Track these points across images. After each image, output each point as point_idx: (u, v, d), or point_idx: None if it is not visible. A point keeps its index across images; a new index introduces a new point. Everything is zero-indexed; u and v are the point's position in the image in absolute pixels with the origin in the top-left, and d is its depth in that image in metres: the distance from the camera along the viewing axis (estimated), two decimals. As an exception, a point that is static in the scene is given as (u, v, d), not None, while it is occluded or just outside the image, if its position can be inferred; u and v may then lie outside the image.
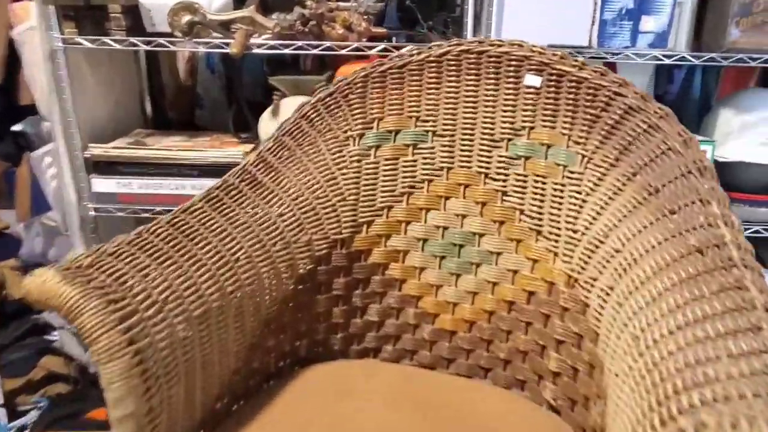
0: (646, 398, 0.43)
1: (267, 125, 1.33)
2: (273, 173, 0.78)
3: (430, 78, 0.80)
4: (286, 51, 1.26)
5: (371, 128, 0.82)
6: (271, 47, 1.26)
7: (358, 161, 0.81)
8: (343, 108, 0.82)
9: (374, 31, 1.27)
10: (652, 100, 0.69)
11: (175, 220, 0.67)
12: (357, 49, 1.25)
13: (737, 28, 1.24)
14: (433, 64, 0.79)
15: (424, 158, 0.81)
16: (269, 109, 1.34)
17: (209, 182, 1.49)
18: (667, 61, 1.24)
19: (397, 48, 1.25)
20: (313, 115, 0.81)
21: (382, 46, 1.24)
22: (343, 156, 0.81)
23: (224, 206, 0.72)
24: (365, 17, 1.28)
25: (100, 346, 0.52)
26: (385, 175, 0.81)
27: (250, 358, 0.73)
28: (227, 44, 1.24)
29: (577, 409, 0.71)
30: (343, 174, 0.81)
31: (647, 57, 1.24)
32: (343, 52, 1.25)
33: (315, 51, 1.26)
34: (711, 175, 0.64)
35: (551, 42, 1.25)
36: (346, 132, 0.82)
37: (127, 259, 0.60)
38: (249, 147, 1.37)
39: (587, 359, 0.67)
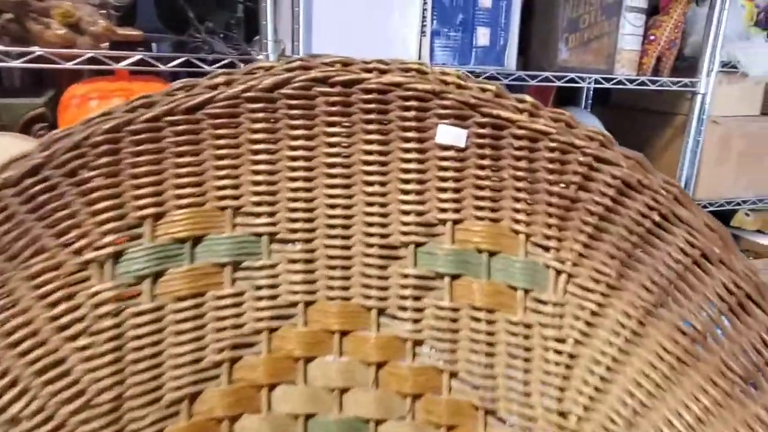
0: None
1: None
2: None
3: (255, 131, 0.39)
4: (-39, 62, 0.71)
5: (139, 237, 0.37)
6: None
7: (116, 314, 0.36)
8: (70, 199, 0.36)
9: (121, 33, 0.78)
10: (652, 169, 0.39)
11: None
12: (94, 60, 0.76)
13: (566, 46, 1.05)
14: (259, 105, 0.38)
15: (258, 288, 0.39)
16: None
17: None
18: (504, 81, 1.00)
19: (164, 60, 0.78)
20: (-8, 221, 0.34)
21: (136, 56, 0.77)
22: (76, 306, 0.35)
23: None
24: (104, 12, 0.79)
25: None
26: (179, 334, 0.38)
27: None
28: None
29: None
30: (81, 350, 0.35)
31: (484, 76, 0.98)
32: (68, 65, 0.74)
33: (15, 63, 0.72)
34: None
35: (373, 56, 0.91)
36: (80, 252, 0.36)
37: None
38: None
39: None
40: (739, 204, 1.28)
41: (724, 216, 1.40)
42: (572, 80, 1.04)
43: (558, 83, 1.04)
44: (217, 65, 0.80)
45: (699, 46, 1.16)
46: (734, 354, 0.34)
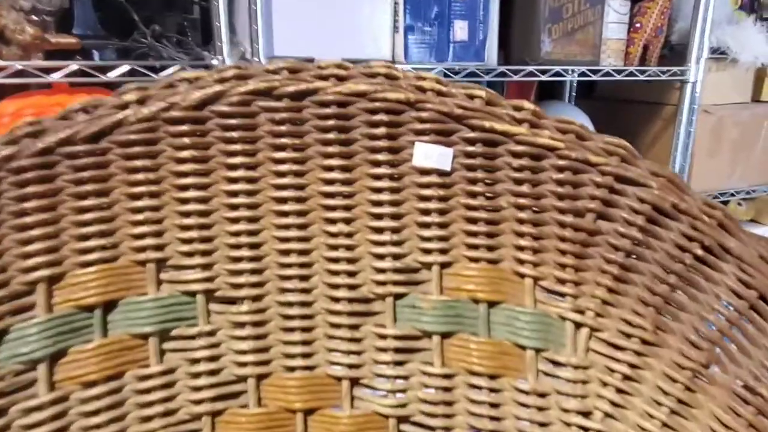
0: None
1: None
2: None
3: (180, 161, 0.29)
4: None
5: (29, 309, 0.28)
6: None
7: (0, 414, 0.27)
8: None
9: (54, 41, 0.68)
10: (688, 189, 0.30)
11: None
12: (24, 74, 0.65)
13: (549, 37, 0.97)
14: (184, 128, 0.29)
15: (195, 362, 0.30)
16: None
17: None
18: (486, 78, 0.91)
19: (105, 69, 0.68)
20: None
21: (72, 66, 0.67)
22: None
23: None
24: (36, 19, 0.68)
25: None
26: (90, 430, 0.28)
27: None
28: None
29: None
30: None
31: (464, 73, 0.89)
32: (-7, 80, 0.64)
33: (-72, 80, 0.62)
34: None
35: (343, 56, 0.82)
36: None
37: None
38: None
39: None
40: (732, 195, 1.21)
41: (717, 208, 1.33)
42: (557, 74, 0.96)
43: (542, 77, 0.95)
44: (166, 72, 0.71)
45: (686, 32, 1.09)
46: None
